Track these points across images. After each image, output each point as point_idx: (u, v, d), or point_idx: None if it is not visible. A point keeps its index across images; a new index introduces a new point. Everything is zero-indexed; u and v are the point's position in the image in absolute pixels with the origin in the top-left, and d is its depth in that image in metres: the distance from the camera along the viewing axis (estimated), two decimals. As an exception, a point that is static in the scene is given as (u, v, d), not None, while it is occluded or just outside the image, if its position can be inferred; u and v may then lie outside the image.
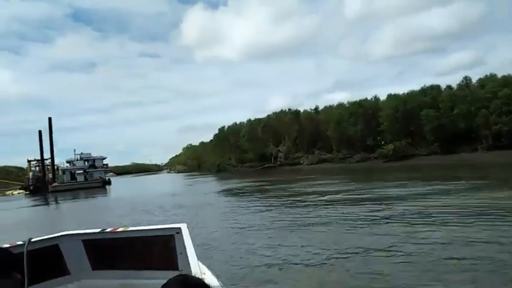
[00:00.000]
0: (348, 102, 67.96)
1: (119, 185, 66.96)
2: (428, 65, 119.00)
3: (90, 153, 74.80)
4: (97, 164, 73.39)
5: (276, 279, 7.21)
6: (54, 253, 3.40)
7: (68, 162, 72.31)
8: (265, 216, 14.89)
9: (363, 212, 13.66)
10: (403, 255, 7.97)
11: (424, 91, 54.49)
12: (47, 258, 3.30)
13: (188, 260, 2.78)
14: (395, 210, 13.55)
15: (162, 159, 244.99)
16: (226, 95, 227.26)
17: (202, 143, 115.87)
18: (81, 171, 67.66)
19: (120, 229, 3.56)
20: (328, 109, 75.03)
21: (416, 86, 58.80)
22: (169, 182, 60.73)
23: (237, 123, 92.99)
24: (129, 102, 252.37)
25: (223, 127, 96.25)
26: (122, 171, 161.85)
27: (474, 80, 52.76)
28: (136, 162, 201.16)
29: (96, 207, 30.06)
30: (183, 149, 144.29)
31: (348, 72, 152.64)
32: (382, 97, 63.47)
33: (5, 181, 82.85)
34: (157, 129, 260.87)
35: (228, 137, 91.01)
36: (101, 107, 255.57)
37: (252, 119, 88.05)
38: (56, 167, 70.07)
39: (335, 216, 13.18)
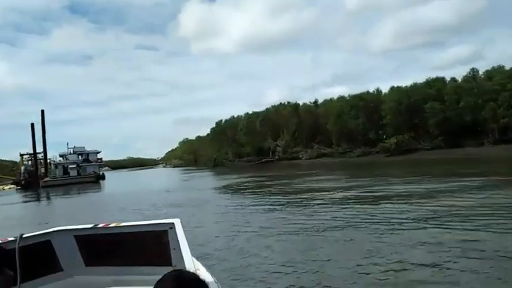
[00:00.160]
0: (349, 95, 66.47)
1: (113, 180, 65.12)
2: (427, 59, 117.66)
3: (84, 147, 72.71)
4: (91, 158, 71.34)
5: (273, 281, 6.73)
6: (47, 249, 3.37)
7: (61, 156, 70.19)
8: (266, 215, 13.23)
9: (372, 212, 12.03)
10: (446, 269, 6.36)
11: (429, 83, 52.81)
12: (39, 254, 3.27)
13: (182, 256, 2.76)
14: (406, 210, 12.00)
15: (158, 153, 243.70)
16: (223, 88, 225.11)
17: (198, 137, 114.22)
18: (74, 166, 65.53)
19: (113, 224, 3.55)
20: (328, 102, 73.41)
21: (414, 80, 57.40)
22: (164, 177, 58.99)
23: (235, 116, 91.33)
24: (125, 95, 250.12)
25: (221, 120, 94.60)
26: (117, 165, 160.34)
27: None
28: (132, 156, 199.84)
29: (87, 204, 28.31)
30: (179, 143, 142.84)
31: (346, 65, 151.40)
32: (383, 90, 62.30)
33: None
34: (153, 122, 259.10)
35: (225, 130, 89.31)
36: (97, 100, 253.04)
37: (250, 112, 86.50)
38: (48, 161, 68.19)
39: (342, 217, 11.54)
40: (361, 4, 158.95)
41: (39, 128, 66.30)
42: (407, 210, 12.05)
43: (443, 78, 54.52)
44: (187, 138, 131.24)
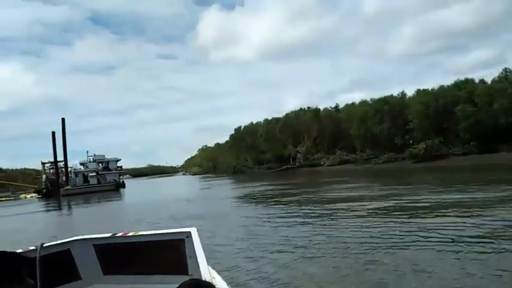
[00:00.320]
0: (371, 99, 64.12)
1: (133, 188, 64.77)
2: (447, 63, 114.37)
3: (104, 155, 72.92)
4: (111, 166, 71.40)
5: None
6: (66, 258, 3.43)
7: (81, 164, 70.49)
8: (295, 230, 11.69)
9: (425, 227, 10.27)
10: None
11: (458, 85, 50.09)
12: (59, 263, 3.33)
13: (198, 264, 2.74)
14: (463, 224, 10.21)
15: (178, 160, 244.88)
16: (242, 96, 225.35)
17: (217, 144, 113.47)
18: (94, 174, 65.57)
19: (131, 233, 3.59)
20: (350, 107, 71.29)
21: (434, 85, 54.82)
22: (184, 185, 58.08)
23: (254, 123, 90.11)
24: (145, 104, 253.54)
25: (240, 127, 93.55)
26: (137, 173, 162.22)
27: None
28: (152, 164, 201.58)
29: (105, 214, 27.41)
30: (198, 150, 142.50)
31: (365, 71, 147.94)
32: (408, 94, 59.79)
33: (21, 184, 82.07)
34: (173, 130, 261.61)
35: (244, 137, 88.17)
36: (118, 109, 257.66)
37: (269, 118, 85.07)
38: (69, 170, 68.47)
39: (390, 233, 9.85)
40: (379, 9, 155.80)
41: (60, 137, 66.85)
42: (464, 225, 10.26)
43: (472, 80, 51.75)
44: (206, 146, 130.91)
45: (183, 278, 1.30)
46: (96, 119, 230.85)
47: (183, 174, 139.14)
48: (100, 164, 70.43)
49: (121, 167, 76.00)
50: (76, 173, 66.67)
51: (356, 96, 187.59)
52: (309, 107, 77.60)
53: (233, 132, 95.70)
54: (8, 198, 63.60)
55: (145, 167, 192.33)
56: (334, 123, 70.06)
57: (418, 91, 55.35)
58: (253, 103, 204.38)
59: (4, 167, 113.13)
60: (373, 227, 10.94)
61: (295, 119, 76.76)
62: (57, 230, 17.47)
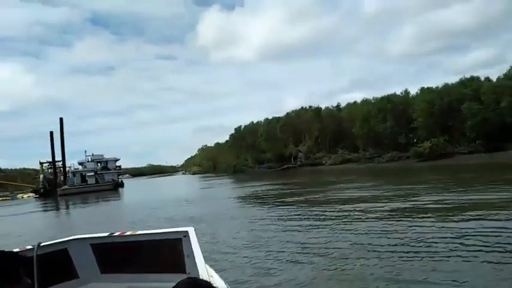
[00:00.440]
0: (374, 98, 63.10)
1: (132, 188, 63.69)
2: (447, 63, 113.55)
3: (102, 155, 71.88)
4: (110, 165, 70.35)
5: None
6: (63, 257, 3.42)
7: (79, 164, 69.45)
8: (305, 235, 10.65)
9: (460, 230, 9.24)
10: None
11: (463, 83, 49.01)
12: (56, 262, 3.33)
13: (195, 263, 2.74)
14: (495, 227, 9.13)
15: (178, 160, 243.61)
16: (242, 96, 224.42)
17: (217, 144, 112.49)
18: (92, 174, 64.55)
19: (128, 233, 3.61)
20: (352, 106, 70.33)
21: (435, 85, 53.83)
22: (183, 185, 57.02)
23: (254, 122, 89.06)
24: (145, 104, 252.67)
25: (240, 127, 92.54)
26: (137, 172, 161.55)
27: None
28: (152, 163, 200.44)
29: (102, 214, 26.38)
30: (198, 150, 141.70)
31: (365, 71, 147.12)
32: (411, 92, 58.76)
33: (20, 184, 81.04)
34: (173, 130, 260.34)
35: (244, 136, 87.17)
36: (118, 110, 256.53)
37: (269, 117, 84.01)
38: (67, 169, 67.44)
39: (412, 239, 8.79)
40: (379, 9, 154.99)
41: (59, 137, 65.83)
42: (496, 227, 9.21)
43: (478, 78, 50.68)
44: (206, 145, 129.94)
45: (180, 277, 1.30)
46: (96, 120, 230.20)
47: (183, 173, 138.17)
48: (99, 164, 69.40)
49: (120, 166, 74.98)
50: (74, 173, 65.62)
51: (356, 96, 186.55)
52: (310, 106, 76.60)
53: (233, 132, 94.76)
54: (4, 198, 62.52)
55: (145, 167, 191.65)
56: (335, 122, 69.12)
57: (422, 89, 54.34)
58: (253, 103, 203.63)
59: (3, 167, 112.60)
60: (399, 232, 9.68)
61: (296, 118, 75.76)
62: (52, 231, 16.38)
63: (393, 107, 55.06)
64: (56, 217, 28.66)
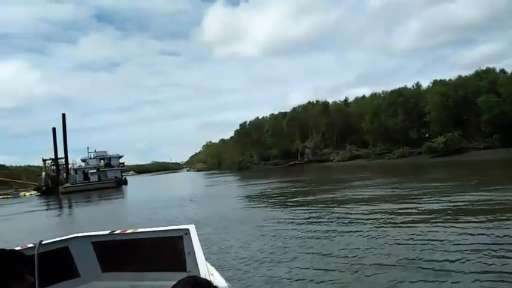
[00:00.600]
0: (383, 92, 61.13)
1: (136, 185, 62.37)
2: (454, 57, 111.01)
3: (105, 151, 70.41)
4: (113, 162, 68.86)
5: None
6: (65, 255, 3.42)
7: (82, 160, 68.12)
8: (321, 241, 9.15)
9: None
10: None
11: (479, 75, 46.93)
12: (58, 260, 3.33)
13: (196, 261, 2.76)
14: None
15: (182, 157, 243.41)
16: (247, 92, 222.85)
17: (222, 140, 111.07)
18: (95, 171, 63.13)
19: (130, 231, 3.56)
20: (360, 100, 68.40)
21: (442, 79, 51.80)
22: (188, 182, 55.60)
23: (260, 118, 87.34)
24: (149, 100, 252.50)
25: (245, 123, 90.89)
26: (142, 169, 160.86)
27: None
28: (157, 160, 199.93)
29: (103, 213, 24.98)
30: (203, 146, 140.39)
31: (370, 66, 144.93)
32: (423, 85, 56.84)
33: (24, 181, 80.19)
34: (178, 126, 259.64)
35: (250, 132, 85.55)
36: (123, 106, 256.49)
37: (275, 112, 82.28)
38: (70, 166, 66.16)
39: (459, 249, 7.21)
40: (385, 2, 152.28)
41: (61, 133, 64.46)
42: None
43: (494, 70, 48.62)
44: (210, 142, 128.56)
45: (181, 275, 1.32)
46: (101, 117, 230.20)
47: (188, 170, 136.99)
48: (102, 161, 67.94)
49: (123, 163, 73.56)
50: (76, 170, 64.27)
51: (362, 91, 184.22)
52: (317, 101, 74.74)
53: (238, 127, 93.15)
54: (6, 196, 61.43)
55: (149, 164, 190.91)
56: (343, 117, 67.33)
57: (435, 82, 52.34)
58: (258, 99, 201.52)
59: (8, 163, 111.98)
60: (450, 241, 8.04)
61: (303, 113, 73.98)
62: (52, 231, 15.01)
63: (404, 101, 53.14)
64: (57, 216, 27.40)
